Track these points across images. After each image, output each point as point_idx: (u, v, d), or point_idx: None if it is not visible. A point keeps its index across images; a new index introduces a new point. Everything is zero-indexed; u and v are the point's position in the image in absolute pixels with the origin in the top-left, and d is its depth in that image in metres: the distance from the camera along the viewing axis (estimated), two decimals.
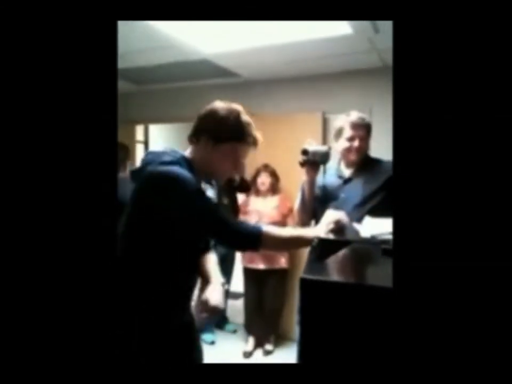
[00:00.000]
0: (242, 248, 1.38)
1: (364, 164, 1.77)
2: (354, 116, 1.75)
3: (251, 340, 3.23)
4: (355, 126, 1.72)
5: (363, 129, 1.73)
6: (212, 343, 3.26)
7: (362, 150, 1.75)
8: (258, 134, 1.20)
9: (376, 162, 1.80)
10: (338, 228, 1.21)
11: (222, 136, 1.16)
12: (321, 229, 1.20)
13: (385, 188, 1.67)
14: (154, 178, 1.10)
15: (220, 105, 1.20)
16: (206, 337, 3.23)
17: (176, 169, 1.09)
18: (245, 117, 1.19)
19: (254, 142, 1.20)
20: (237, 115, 1.17)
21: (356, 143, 1.73)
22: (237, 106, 1.20)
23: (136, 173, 1.18)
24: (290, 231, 1.34)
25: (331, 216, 1.24)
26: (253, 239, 1.13)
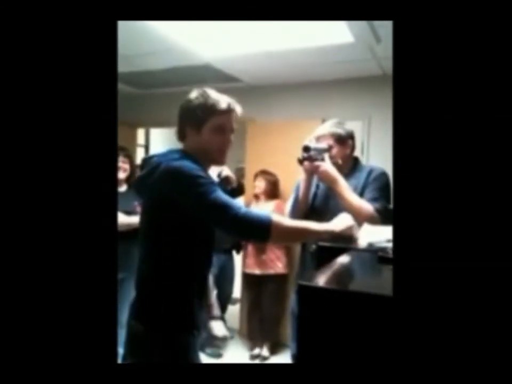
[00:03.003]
0: (250, 237, 1.30)
1: (353, 169, 1.79)
2: (317, 130, 1.80)
3: (251, 344, 3.21)
4: (317, 139, 1.78)
5: (327, 140, 1.75)
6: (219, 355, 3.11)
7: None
8: (231, 100, 1.23)
9: (364, 168, 1.82)
10: (350, 234, 1.18)
11: (199, 119, 1.19)
12: (333, 226, 1.18)
13: (378, 194, 1.68)
14: (172, 172, 1.12)
15: (190, 94, 1.24)
16: (213, 351, 3.09)
17: (187, 162, 1.13)
18: (212, 92, 1.22)
19: (229, 109, 1.21)
20: (204, 94, 1.21)
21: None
22: (205, 88, 1.24)
23: (147, 175, 1.19)
24: (300, 222, 1.23)
25: (347, 219, 1.22)
26: (262, 228, 1.09)
